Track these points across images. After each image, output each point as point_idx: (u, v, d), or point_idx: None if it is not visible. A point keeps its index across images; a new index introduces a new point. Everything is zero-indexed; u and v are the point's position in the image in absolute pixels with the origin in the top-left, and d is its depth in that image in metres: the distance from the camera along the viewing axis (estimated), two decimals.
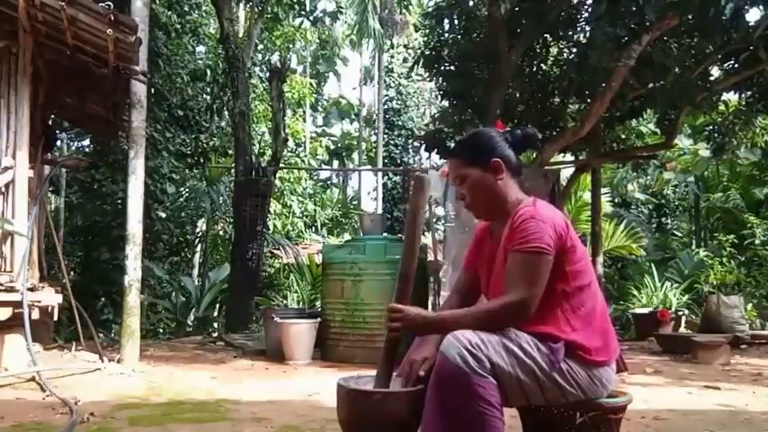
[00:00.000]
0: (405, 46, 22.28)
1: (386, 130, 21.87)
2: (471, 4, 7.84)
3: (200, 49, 14.16)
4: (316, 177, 21.76)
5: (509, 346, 1.72)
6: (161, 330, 10.51)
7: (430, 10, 8.45)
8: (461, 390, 1.64)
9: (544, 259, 1.75)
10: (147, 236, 8.28)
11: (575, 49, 7.83)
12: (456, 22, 7.99)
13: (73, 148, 13.05)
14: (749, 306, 8.93)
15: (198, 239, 14.07)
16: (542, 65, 8.22)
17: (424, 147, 9.03)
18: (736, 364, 6.06)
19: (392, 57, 22.85)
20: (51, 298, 4.81)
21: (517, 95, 8.17)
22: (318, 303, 7.79)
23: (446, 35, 8.18)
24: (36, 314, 4.63)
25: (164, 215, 11.37)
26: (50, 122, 6.75)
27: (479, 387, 1.64)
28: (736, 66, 7.31)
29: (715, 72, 7.96)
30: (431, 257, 6.59)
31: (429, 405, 1.69)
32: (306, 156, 20.66)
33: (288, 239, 14.13)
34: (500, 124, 2.09)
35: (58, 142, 10.09)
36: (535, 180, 6.04)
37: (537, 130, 2.16)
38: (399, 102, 22.15)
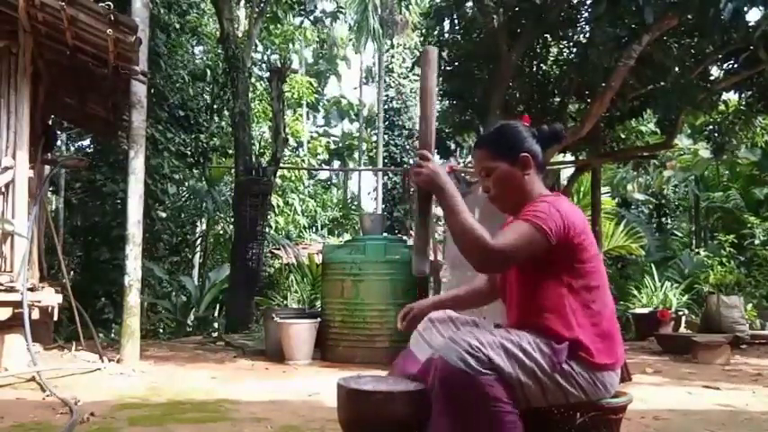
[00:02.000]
0: (404, 46, 22.27)
1: (386, 130, 21.87)
2: (469, 13, 7.84)
3: (200, 49, 14.17)
4: (315, 177, 21.77)
5: (509, 348, 1.70)
6: (161, 330, 10.50)
7: (429, 10, 8.47)
8: (469, 392, 1.63)
9: (537, 236, 1.72)
10: (147, 236, 8.29)
11: (575, 49, 7.83)
12: (456, 22, 7.99)
13: (73, 148, 13.05)
14: (749, 306, 8.92)
15: (198, 239, 14.08)
16: (542, 65, 8.22)
17: None
18: (736, 364, 6.06)
19: (392, 57, 22.86)
20: (51, 298, 4.81)
21: (517, 95, 8.17)
22: (318, 303, 7.79)
23: (446, 35, 8.19)
24: (36, 314, 4.64)
25: (164, 215, 11.38)
26: (50, 122, 6.75)
27: (487, 386, 1.63)
28: (736, 66, 7.31)
29: (715, 72, 7.96)
30: (431, 257, 6.58)
31: (440, 412, 1.66)
32: (306, 155, 20.67)
33: (288, 239, 14.14)
34: (527, 118, 2.05)
35: (58, 142, 10.08)
36: None
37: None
38: (399, 102, 22.15)
